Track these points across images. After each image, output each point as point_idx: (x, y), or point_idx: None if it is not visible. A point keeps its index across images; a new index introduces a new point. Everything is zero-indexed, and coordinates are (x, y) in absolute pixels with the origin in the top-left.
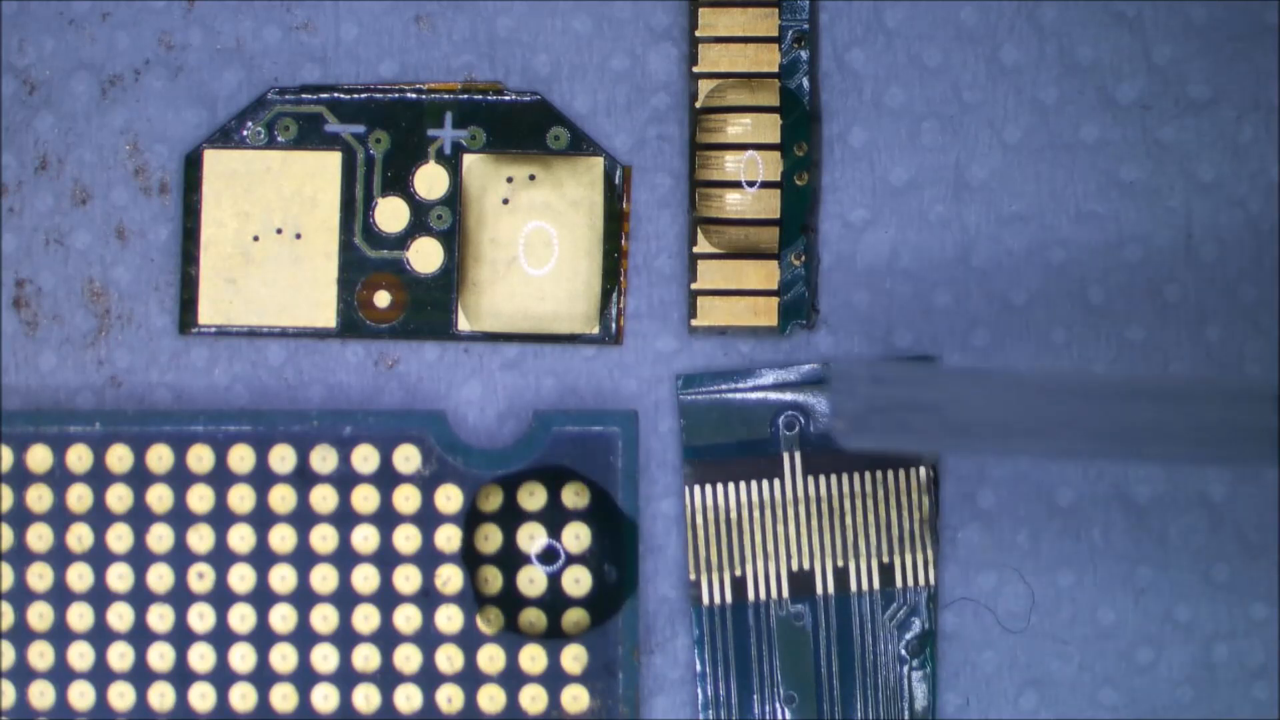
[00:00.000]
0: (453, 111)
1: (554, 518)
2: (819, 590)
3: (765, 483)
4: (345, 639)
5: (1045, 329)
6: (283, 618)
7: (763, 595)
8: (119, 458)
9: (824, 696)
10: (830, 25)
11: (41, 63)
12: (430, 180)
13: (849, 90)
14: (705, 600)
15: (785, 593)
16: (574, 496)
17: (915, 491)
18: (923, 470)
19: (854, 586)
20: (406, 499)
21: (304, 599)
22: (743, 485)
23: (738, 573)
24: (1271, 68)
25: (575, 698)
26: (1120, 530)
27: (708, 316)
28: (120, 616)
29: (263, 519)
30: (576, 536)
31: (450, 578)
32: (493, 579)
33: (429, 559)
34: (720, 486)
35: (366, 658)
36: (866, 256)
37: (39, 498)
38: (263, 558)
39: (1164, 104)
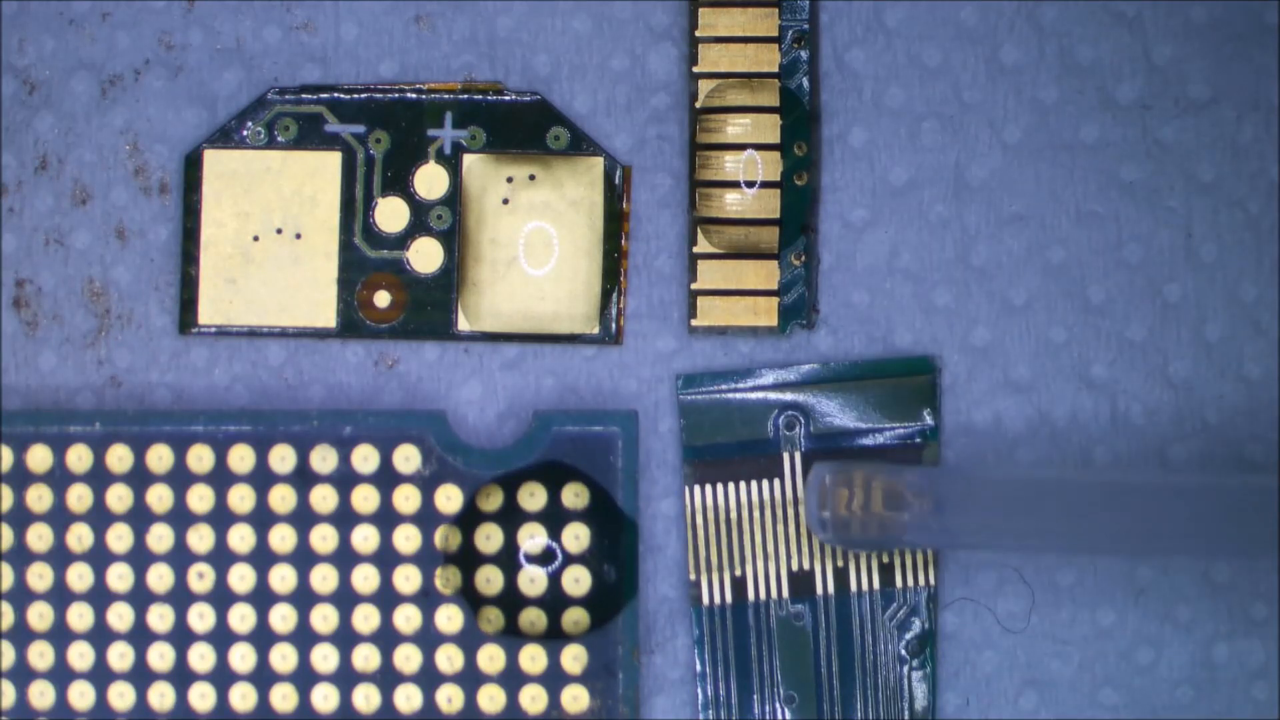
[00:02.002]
0: (453, 111)
1: (554, 518)
2: (819, 590)
3: (765, 482)
4: (345, 639)
5: (1045, 329)
6: (283, 618)
7: (763, 595)
8: (119, 458)
9: (824, 696)
10: (830, 25)
11: (41, 63)
12: (430, 180)
13: (849, 90)
14: (705, 600)
15: (785, 593)
16: (574, 497)
17: None
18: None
19: (854, 586)
20: (406, 499)
21: (304, 599)
22: (743, 485)
23: (738, 573)
24: (1271, 68)
25: (575, 698)
26: None
27: (708, 316)
28: (120, 616)
29: (263, 519)
30: (576, 537)
31: (450, 578)
32: (493, 579)
33: (429, 559)
34: (720, 486)
35: (366, 658)
36: (866, 256)
37: (39, 498)
38: (263, 558)
39: (1164, 104)
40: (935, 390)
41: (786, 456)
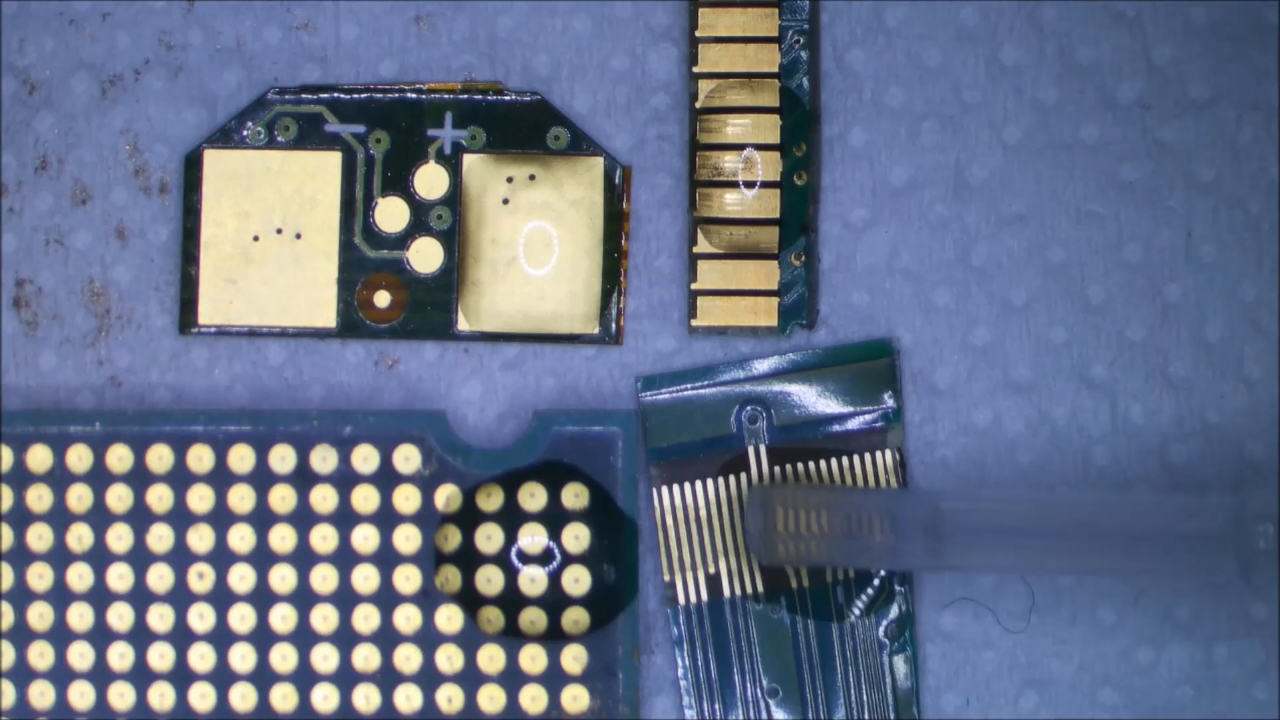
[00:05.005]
0: (453, 111)
1: (554, 518)
2: (793, 581)
3: (732, 478)
4: (345, 639)
5: (1045, 329)
6: (283, 618)
7: (738, 590)
8: (119, 458)
9: (807, 687)
10: (830, 25)
11: (41, 63)
12: (430, 180)
13: (849, 90)
14: (681, 600)
15: (760, 586)
16: (574, 497)
17: (883, 474)
18: (888, 453)
19: (828, 575)
20: (406, 499)
21: (304, 599)
22: (710, 482)
23: (711, 570)
24: (1271, 68)
25: (575, 698)
26: None
27: (708, 316)
28: (120, 616)
29: (263, 519)
30: (576, 537)
31: (450, 578)
32: (493, 579)
33: (428, 559)
34: (688, 485)
35: (366, 658)
36: (866, 256)
37: (39, 498)
38: (263, 558)
39: (1164, 104)
40: (895, 372)
41: (751, 450)
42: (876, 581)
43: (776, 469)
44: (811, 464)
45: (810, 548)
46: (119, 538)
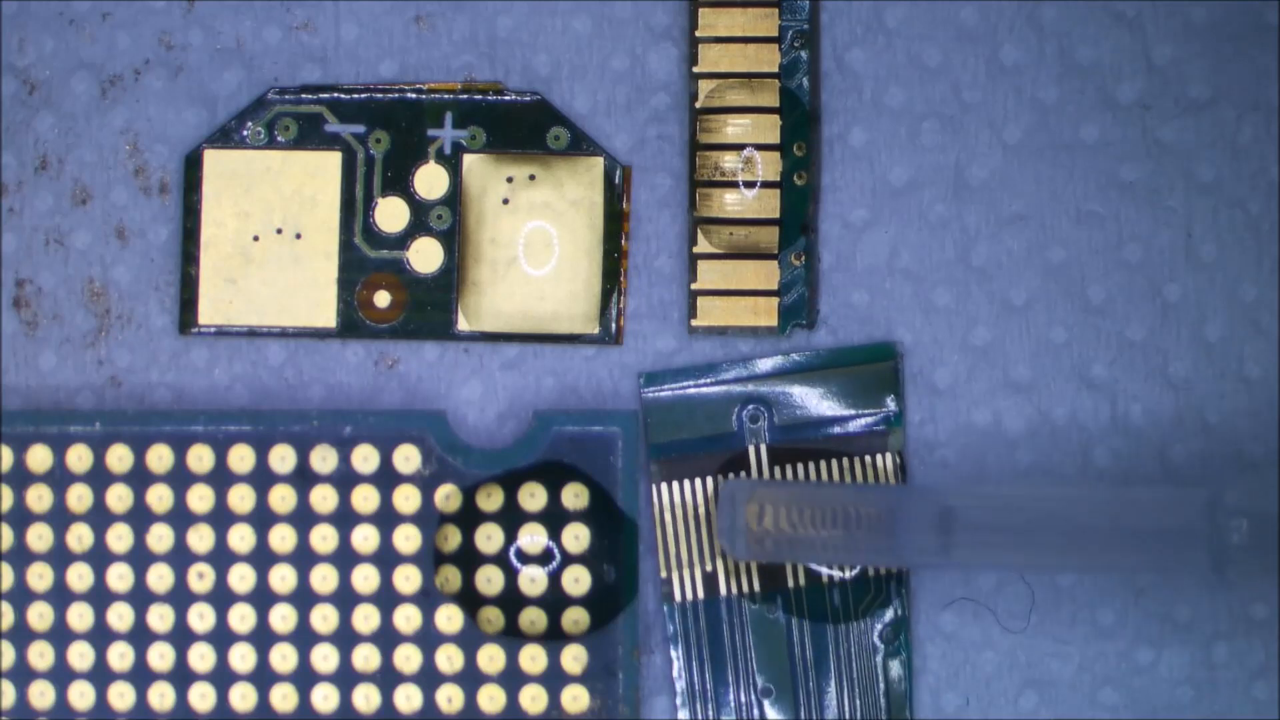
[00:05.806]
0: (453, 111)
1: (554, 518)
2: (790, 582)
3: (732, 477)
4: (345, 639)
5: (1045, 329)
6: (283, 618)
7: (734, 589)
8: (119, 458)
9: (800, 688)
10: (830, 25)
11: (41, 63)
12: (430, 180)
13: (849, 90)
14: (678, 597)
15: (757, 585)
16: (574, 497)
17: (882, 477)
18: (889, 456)
19: (825, 577)
20: (406, 499)
21: (304, 599)
22: (710, 480)
23: (709, 568)
24: (1271, 68)
25: (575, 698)
26: None
27: (708, 316)
28: (120, 616)
29: (263, 519)
30: (576, 537)
31: (450, 578)
32: (493, 579)
33: (428, 559)
34: (687, 483)
35: (366, 658)
36: (866, 256)
37: (39, 498)
38: (263, 558)
39: (1164, 104)
40: (898, 376)
41: (752, 450)
42: (873, 584)
43: (776, 469)
44: (811, 465)
45: (778, 543)
46: (119, 538)
